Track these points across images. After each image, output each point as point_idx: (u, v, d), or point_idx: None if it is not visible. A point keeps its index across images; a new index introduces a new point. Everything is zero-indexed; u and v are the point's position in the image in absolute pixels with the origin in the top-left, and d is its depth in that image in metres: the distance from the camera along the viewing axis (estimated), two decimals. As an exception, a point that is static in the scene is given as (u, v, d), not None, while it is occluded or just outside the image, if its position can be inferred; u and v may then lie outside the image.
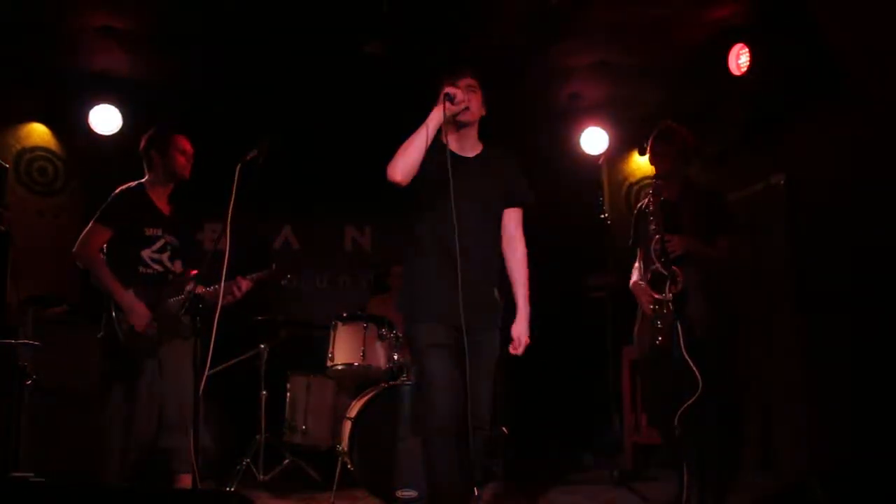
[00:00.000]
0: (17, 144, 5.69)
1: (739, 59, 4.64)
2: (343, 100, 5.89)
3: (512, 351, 3.32)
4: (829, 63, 4.13)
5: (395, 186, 3.16)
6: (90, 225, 3.88)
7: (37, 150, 5.76)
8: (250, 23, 4.89)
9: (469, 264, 3.19)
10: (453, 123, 3.27)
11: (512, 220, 3.43)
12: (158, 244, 3.90)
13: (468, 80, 3.27)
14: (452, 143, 3.33)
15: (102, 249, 3.87)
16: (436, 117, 3.16)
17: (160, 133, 4.00)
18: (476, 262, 3.24)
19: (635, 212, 4.36)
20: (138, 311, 3.76)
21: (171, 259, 3.94)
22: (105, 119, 5.73)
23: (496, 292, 3.36)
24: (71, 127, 5.79)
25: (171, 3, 4.69)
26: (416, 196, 3.25)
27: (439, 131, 3.22)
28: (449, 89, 3.15)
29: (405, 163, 3.12)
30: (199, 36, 5.06)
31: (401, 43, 5.12)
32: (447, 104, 3.14)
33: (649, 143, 4.25)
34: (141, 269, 3.86)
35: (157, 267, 3.88)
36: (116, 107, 5.73)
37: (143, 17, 4.85)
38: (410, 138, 3.15)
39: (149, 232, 3.89)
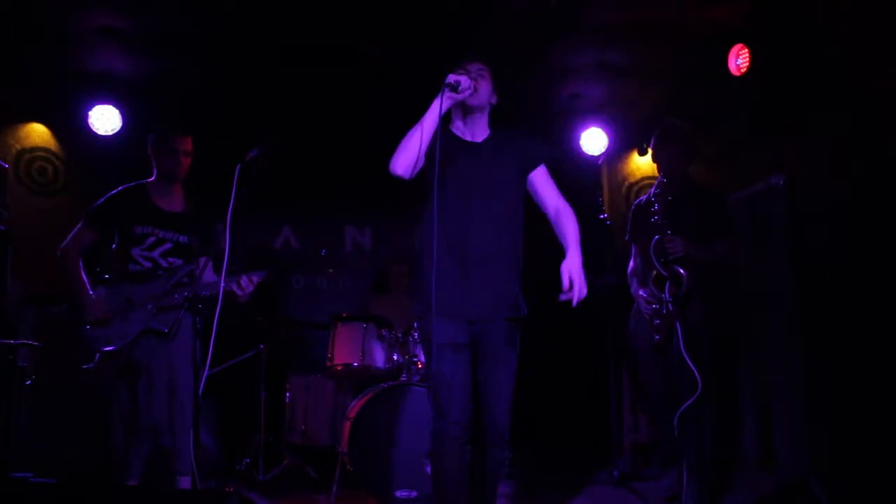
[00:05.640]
0: (17, 144, 5.69)
1: (739, 59, 4.64)
2: (343, 100, 5.89)
3: (563, 297, 2.95)
4: (829, 63, 4.13)
5: (399, 181, 3.05)
6: (77, 226, 3.90)
7: (37, 150, 5.77)
8: (250, 23, 4.89)
9: (481, 254, 3.05)
10: (462, 108, 3.16)
11: (546, 190, 3.24)
12: (150, 241, 3.89)
13: (477, 65, 3.15)
14: (461, 129, 3.22)
15: (86, 249, 3.88)
16: (436, 108, 3.02)
17: (156, 133, 4.00)
18: (488, 252, 3.07)
19: (632, 206, 4.37)
20: (90, 306, 3.76)
21: (167, 256, 3.92)
22: (105, 119, 5.74)
23: (516, 284, 3.14)
24: (71, 127, 5.79)
25: (171, 3, 4.68)
26: (423, 187, 3.11)
27: (447, 119, 3.07)
28: (452, 77, 3.01)
29: (405, 156, 3.03)
30: (199, 36, 5.06)
31: (400, 43, 5.12)
32: (450, 93, 3.00)
33: (653, 140, 4.25)
34: (130, 266, 3.87)
35: (146, 264, 3.88)
36: (116, 107, 5.74)
37: (143, 17, 4.85)
38: (411, 130, 3.05)
39: (139, 230, 3.89)
